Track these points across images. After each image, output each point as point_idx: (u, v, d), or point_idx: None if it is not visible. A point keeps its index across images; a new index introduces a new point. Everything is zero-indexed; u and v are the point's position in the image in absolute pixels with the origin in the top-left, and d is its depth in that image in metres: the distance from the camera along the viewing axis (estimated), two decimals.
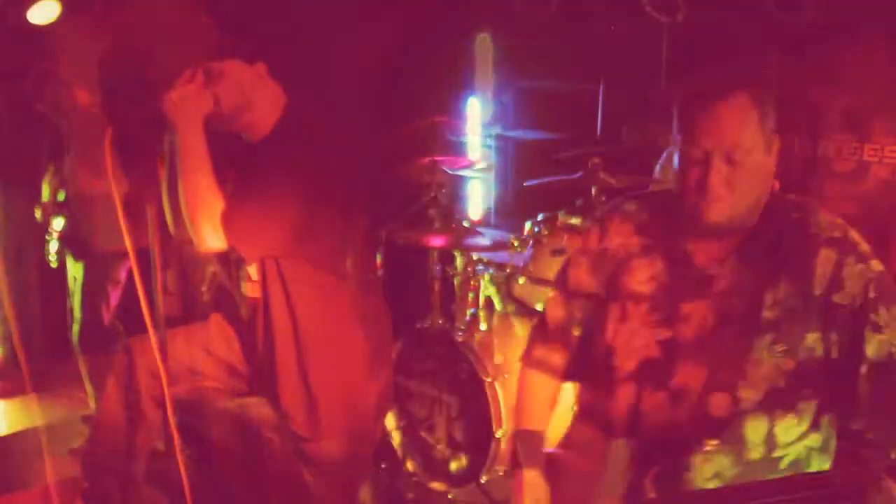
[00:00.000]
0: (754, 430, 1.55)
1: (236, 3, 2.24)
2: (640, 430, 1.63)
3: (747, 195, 1.54)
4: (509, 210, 3.67)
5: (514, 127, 3.91)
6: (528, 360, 1.87)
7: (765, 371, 1.53)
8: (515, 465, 1.75)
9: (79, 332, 3.25)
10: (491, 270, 3.04)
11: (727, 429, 1.54)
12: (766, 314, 1.53)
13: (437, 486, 2.92)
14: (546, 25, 3.41)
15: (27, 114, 3.31)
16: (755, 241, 1.58)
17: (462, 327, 2.94)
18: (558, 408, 1.88)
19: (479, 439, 2.78)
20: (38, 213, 3.39)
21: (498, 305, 3.09)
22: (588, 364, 1.78)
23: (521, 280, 2.97)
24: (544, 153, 3.59)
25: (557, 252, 2.85)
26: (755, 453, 1.55)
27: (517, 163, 3.84)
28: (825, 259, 1.53)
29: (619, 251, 1.71)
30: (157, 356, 1.87)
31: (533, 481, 1.69)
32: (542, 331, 1.85)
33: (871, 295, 1.50)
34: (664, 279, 1.65)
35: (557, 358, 1.82)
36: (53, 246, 3.40)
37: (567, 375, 1.85)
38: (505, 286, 3.03)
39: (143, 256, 1.86)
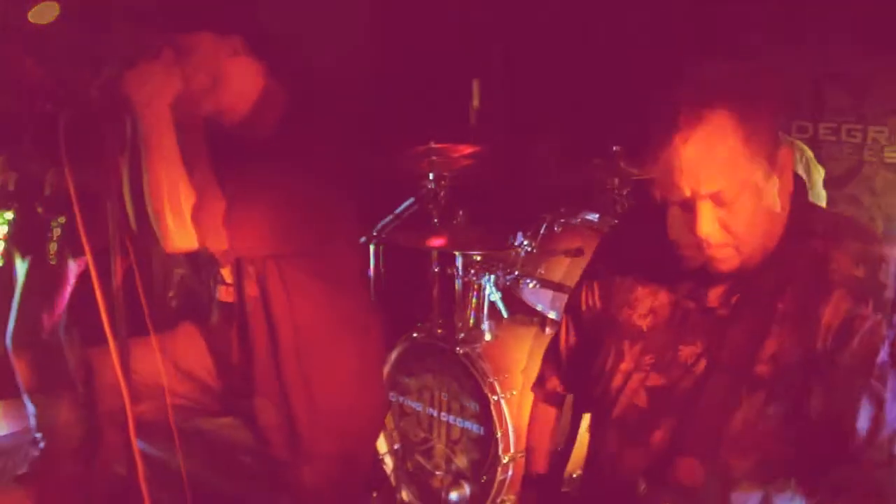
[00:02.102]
0: (745, 502, 1.43)
1: None
2: (620, 483, 1.55)
3: (755, 232, 1.40)
4: (518, 205, 3.68)
5: (524, 116, 3.94)
6: (540, 392, 1.86)
7: (756, 435, 1.41)
8: None
9: (13, 337, 3.28)
10: (496, 272, 3.04)
11: (708, 498, 1.44)
12: (760, 369, 1.41)
13: None
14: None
15: None
16: (764, 276, 1.44)
17: (463, 337, 2.95)
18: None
19: (482, 465, 2.81)
20: None
21: (504, 312, 3.10)
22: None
23: (531, 284, 2.97)
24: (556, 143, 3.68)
25: (571, 252, 2.88)
26: None
27: (526, 153, 3.86)
28: (836, 305, 1.37)
29: (624, 275, 1.64)
30: (119, 370, 1.87)
31: None
32: (556, 359, 1.83)
33: (882, 358, 1.34)
34: (665, 315, 1.56)
35: (567, 391, 1.82)
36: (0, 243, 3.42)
37: (580, 408, 1.83)
38: (512, 290, 3.03)
39: (102, 257, 1.85)
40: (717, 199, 1.35)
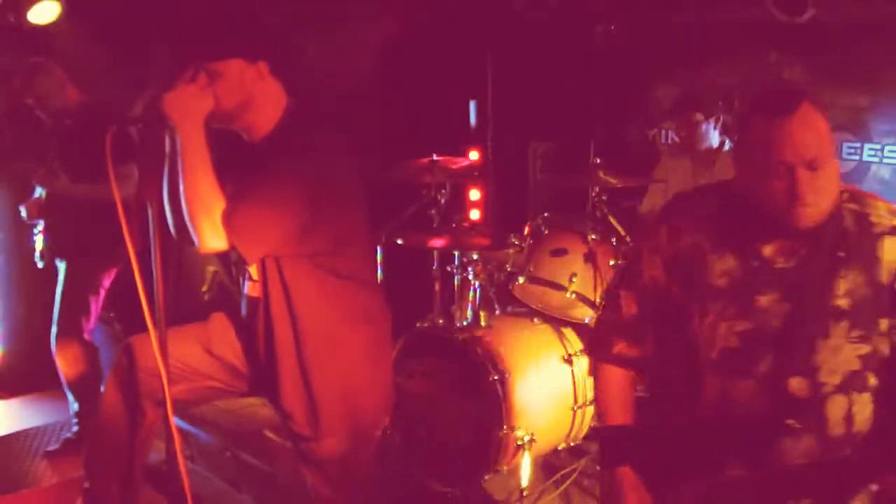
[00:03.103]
0: (835, 410, 1.71)
1: (237, 2, 2.26)
2: (727, 415, 1.77)
3: (830, 195, 1.70)
4: (509, 209, 3.74)
5: (515, 128, 4.00)
6: (606, 356, 2.00)
7: (843, 356, 1.70)
8: (610, 462, 1.89)
9: (55, 336, 3.32)
10: (491, 270, 3.12)
11: (809, 410, 1.71)
12: (840, 303, 1.71)
13: (437, 486, 2.98)
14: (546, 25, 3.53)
15: (19, 108, 3.34)
16: (822, 233, 1.73)
17: (462, 325, 3.02)
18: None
19: (480, 438, 2.85)
20: (23, 212, 3.42)
21: (497, 305, 3.17)
22: (667, 356, 1.91)
23: (522, 279, 3.05)
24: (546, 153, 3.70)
25: (557, 252, 2.92)
26: (837, 431, 1.72)
27: (517, 162, 3.91)
28: (890, 246, 1.72)
29: (690, 249, 1.83)
30: (158, 356, 1.92)
31: (631, 477, 1.85)
32: (619, 327, 1.97)
33: None
34: (737, 274, 1.78)
35: (636, 352, 1.96)
36: (39, 245, 3.44)
37: (645, 368, 1.99)
38: (505, 285, 3.10)
39: (142, 257, 1.91)
40: (812, 165, 1.64)
